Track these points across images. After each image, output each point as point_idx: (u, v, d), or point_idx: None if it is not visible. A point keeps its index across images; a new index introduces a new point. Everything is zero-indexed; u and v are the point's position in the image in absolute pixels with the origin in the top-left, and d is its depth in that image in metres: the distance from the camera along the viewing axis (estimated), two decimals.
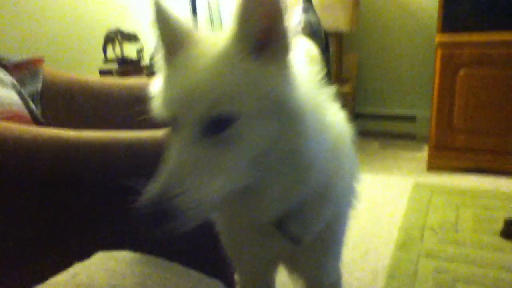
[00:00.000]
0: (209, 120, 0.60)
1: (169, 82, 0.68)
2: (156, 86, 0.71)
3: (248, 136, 0.61)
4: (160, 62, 0.73)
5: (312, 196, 0.74)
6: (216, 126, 0.60)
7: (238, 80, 0.61)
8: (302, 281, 1.01)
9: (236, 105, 0.60)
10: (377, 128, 3.22)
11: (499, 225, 1.81)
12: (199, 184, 0.58)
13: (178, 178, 0.57)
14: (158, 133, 1.01)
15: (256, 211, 0.71)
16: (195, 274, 0.56)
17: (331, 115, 0.78)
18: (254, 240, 0.84)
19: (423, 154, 2.77)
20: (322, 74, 0.77)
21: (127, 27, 2.32)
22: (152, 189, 0.57)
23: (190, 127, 0.61)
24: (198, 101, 0.60)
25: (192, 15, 2.94)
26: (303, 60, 0.73)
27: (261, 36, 0.62)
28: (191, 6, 2.91)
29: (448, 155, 2.50)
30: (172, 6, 0.72)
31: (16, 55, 1.69)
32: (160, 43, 0.73)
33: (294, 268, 0.99)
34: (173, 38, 0.70)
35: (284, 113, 0.63)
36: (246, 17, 0.61)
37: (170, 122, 0.65)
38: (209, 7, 3.31)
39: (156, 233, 0.55)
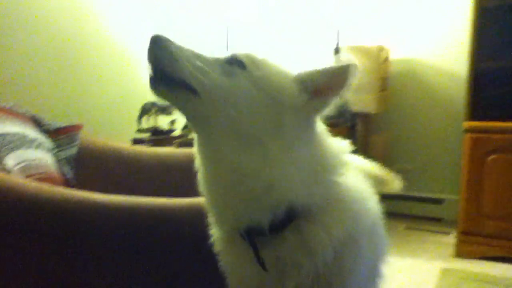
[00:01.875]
0: (231, 57, 0.82)
1: None
2: None
3: (238, 80, 0.80)
4: None
5: (283, 227, 0.81)
6: (232, 61, 0.82)
7: (276, 76, 0.83)
8: None
9: (252, 67, 0.82)
10: (404, 210, 3.17)
11: None
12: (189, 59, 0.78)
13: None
14: (188, 201, 1.04)
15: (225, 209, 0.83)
16: None
17: (350, 180, 0.89)
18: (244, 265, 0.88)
19: (451, 238, 2.68)
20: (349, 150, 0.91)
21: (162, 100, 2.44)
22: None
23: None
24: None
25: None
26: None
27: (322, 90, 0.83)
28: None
29: (478, 241, 2.41)
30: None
31: (57, 122, 1.81)
32: None
33: None
34: None
35: (280, 132, 0.79)
36: (320, 76, 0.83)
37: None
38: None
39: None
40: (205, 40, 3.14)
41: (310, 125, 0.84)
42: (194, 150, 0.88)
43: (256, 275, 0.85)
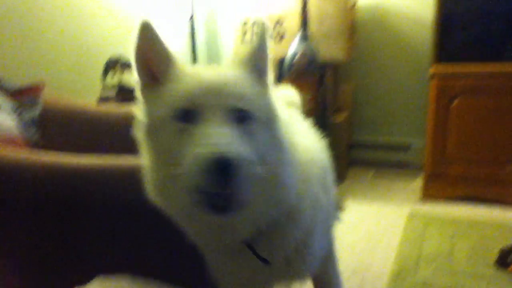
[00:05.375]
0: (235, 111, 0.71)
1: (183, 83, 0.74)
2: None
3: (256, 137, 0.72)
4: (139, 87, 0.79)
5: (281, 218, 0.81)
6: (238, 118, 0.71)
7: (252, 90, 0.76)
8: None
9: (253, 108, 0.73)
10: (372, 157, 3.25)
11: (494, 255, 1.81)
12: (244, 150, 0.67)
13: (230, 143, 0.65)
14: None
15: (228, 231, 0.78)
16: None
17: (300, 136, 0.92)
18: (232, 263, 0.88)
19: (418, 183, 2.78)
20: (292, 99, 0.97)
21: (127, 56, 2.36)
22: (212, 151, 0.63)
23: (221, 114, 0.69)
24: (229, 92, 0.72)
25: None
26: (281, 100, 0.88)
27: (258, 67, 0.80)
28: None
29: (443, 184, 2.52)
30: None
31: (18, 82, 1.72)
32: (141, 67, 0.77)
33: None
34: (159, 61, 0.76)
35: (272, 126, 0.77)
36: (254, 55, 0.80)
37: (184, 114, 0.71)
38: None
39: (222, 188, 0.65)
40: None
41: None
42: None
43: (248, 269, 0.87)
